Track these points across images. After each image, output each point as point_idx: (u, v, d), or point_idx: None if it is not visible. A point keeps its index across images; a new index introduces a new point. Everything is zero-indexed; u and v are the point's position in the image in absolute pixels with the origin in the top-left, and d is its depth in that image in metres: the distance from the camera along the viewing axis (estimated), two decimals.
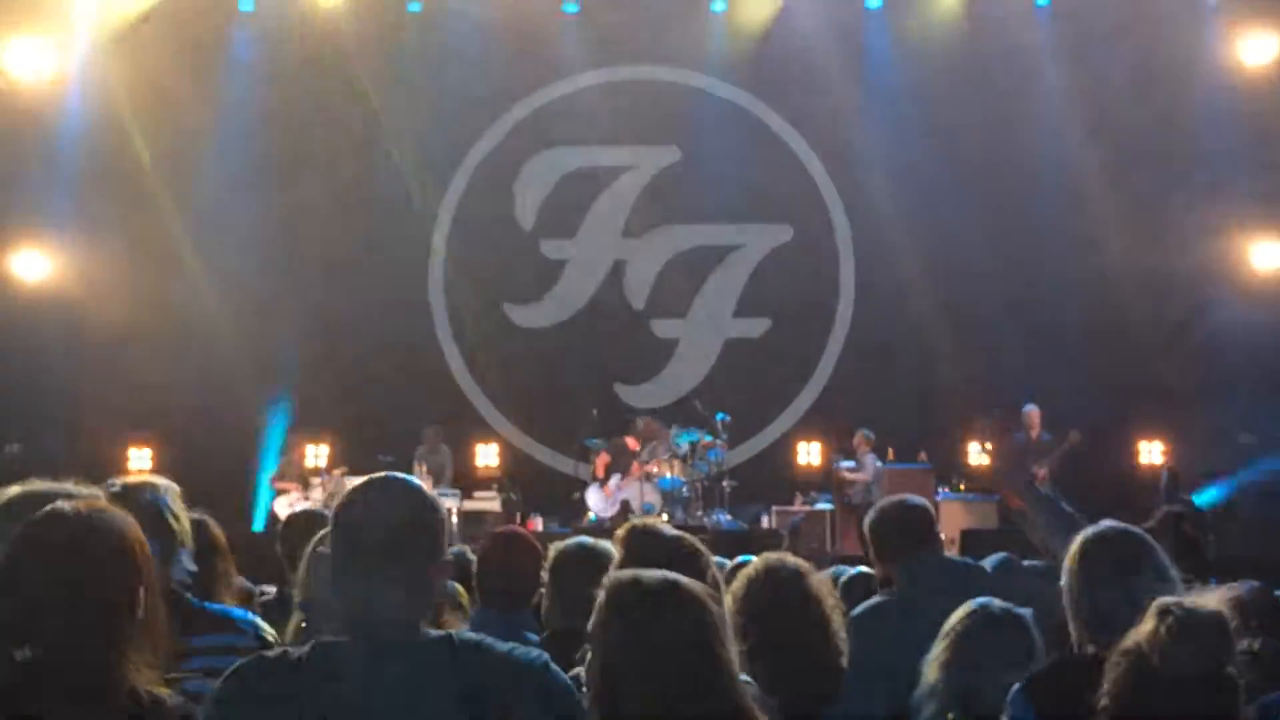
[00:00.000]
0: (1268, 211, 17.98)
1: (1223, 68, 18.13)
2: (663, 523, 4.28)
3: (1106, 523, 4.04)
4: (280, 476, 16.69)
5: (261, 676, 2.86)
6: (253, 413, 17.56)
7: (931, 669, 4.22)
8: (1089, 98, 18.27)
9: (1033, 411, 16.46)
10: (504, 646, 2.91)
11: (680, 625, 3.03)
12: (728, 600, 4.16)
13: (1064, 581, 3.90)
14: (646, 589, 3.08)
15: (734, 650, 3.09)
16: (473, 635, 2.97)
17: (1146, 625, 3.23)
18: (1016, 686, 3.79)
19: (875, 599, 5.25)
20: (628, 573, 3.16)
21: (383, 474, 3.05)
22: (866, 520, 5.48)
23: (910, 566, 5.18)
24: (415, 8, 18.70)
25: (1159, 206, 18.13)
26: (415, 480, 3.05)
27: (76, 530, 2.87)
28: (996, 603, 4.30)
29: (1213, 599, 3.34)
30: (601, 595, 3.10)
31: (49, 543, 2.85)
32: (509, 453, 18.53)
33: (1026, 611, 4.28)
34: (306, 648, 2.87)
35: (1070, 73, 18.41)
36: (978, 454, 17.17)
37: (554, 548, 4.85)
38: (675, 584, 3.11)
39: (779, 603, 4.31)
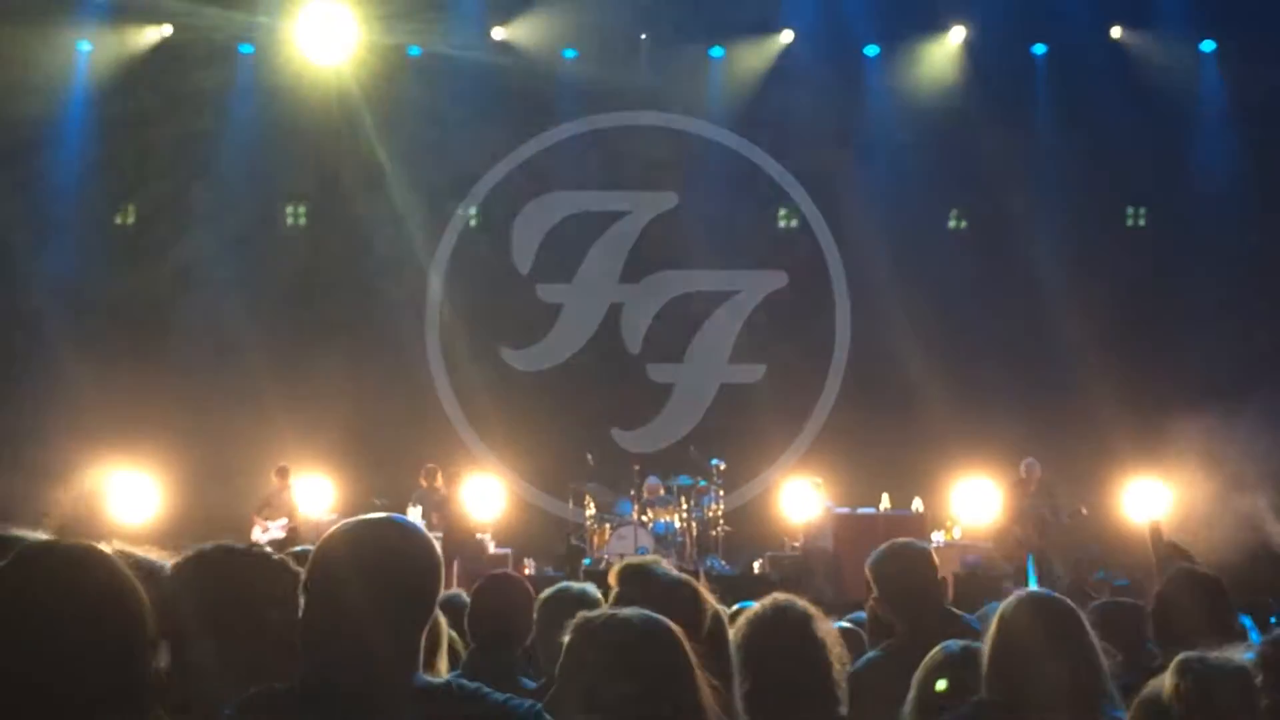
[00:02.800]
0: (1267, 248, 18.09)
1: (1220, 114, 18.29)
2: (658, 562, 4.24)
3: (1030, 590, 4.14)
4: (262, 510, 16.58)
5: (269, 709, 2.85)
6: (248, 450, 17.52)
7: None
8: (1086, 145, 18.38)
9: (1034, 467, 16.43)
10: (500, 697, 2.89)
11: (652, 662, 3.01)
12: (731, 638, 4.15)
13: (988, 635, 3.97)
14: (616, 627, 3.06)
15: (707, 689, 3.07)
16: (470, 684, 2.93)
17: (1168, 680, 3.20)
18: None
19: (871, 654, 5.20)
20: (596, 612, 3.15)
21: (375, 514, 3.00)
22: (869, 562, 5.43)
23: (912, 617, 5.13)
24: (415, 52, 18.79)
25: (1158, 253, 18.24)
26: (407, 520, 3.01)
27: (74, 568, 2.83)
28: (955, 643, 4.28)
29: (1237, 654, 3.31)
30: (568, 636, 3.08)
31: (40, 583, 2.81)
32: (504, 496, 18.48)
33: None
34: (310, 683, 2.85)
35: (1067, 120, 18.52)
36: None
37: (542, 595, 4.84)
38: (646, 620, 3.09)
39: (783, 644, 4.26)
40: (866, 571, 5.35)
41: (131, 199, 17.84)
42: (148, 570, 3.41)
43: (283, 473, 16.60)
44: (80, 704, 2.64)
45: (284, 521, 16.26)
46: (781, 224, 19.17)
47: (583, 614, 3.14)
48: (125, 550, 3.55)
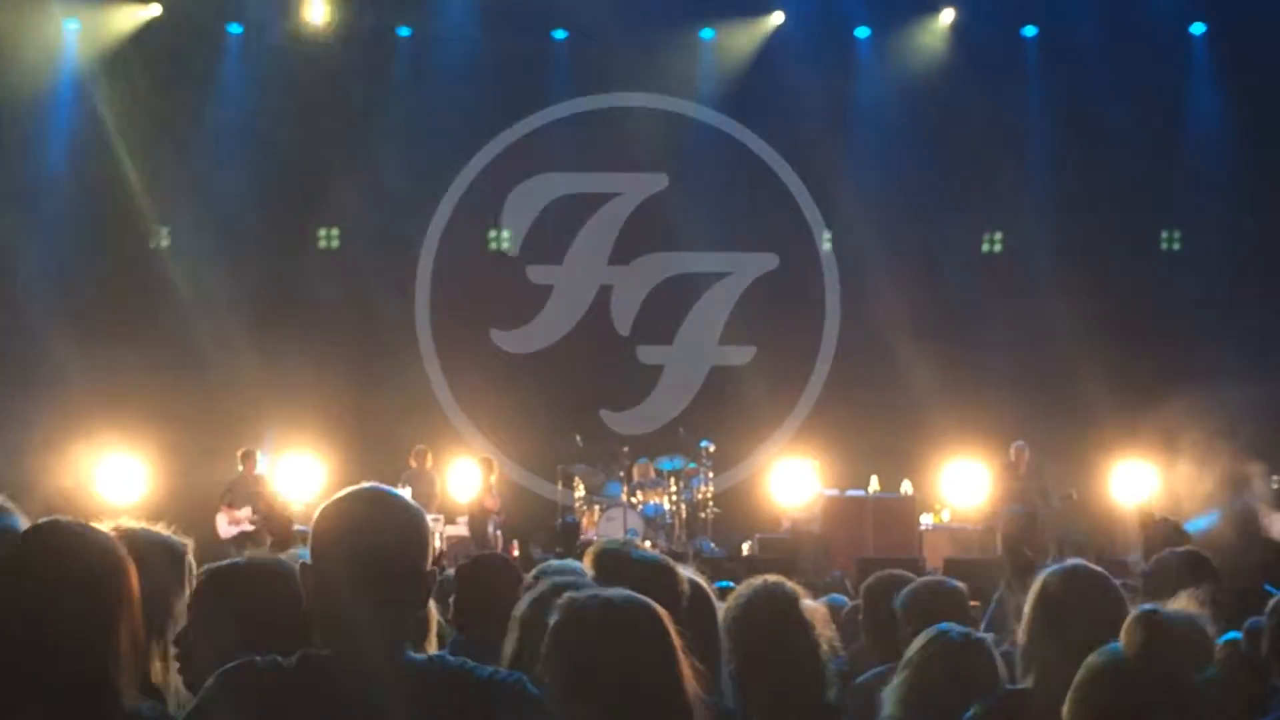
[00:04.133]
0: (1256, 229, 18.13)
1: (1210, 95, 18.33)
2: (634, 543, 4.24)
3: (1073, 562, 4.04)
4: (225, 496, 16.34)
5: (250, 681, 2.84)
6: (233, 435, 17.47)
7: (891, 700, 4.19)
8: (1076, 127, 18.40)
9: (1024, 449, 16.43)
10: (485, 670, 2.91)
11: (636, 643, 3.03)
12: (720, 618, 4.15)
13: (1025, 615, 3.92)
14: (601, 608, 3.09)
15: (689, 671, 3.08)
16: (455, 659, 2.95)
17: (1124, 633, 3.21)
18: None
19: (879, 669, 5.17)
20: (584, 592, 3.16)
21: (364, 486, 2.98)
22: (899, 599, 5.38)
23: None
24: (404, 32, 18.74)
25: (1149, 235, 18.29)
26: (397, 492, 3.00)
27: (67, 542, 2.85)
28: (956, 628, 4.27)
29: (1186, 601, 3.34)
30: (557, 615, 3.09)
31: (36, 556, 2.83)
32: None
33: (987, 636, 4.25)
34: (295, 659, 2.85)
35: (1057, 102, 18.54)
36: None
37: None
38: (631, 601, 3.12)
39: (769, 624, 4.25)
40: (897, 610, 5.28)
41: (119, 179, 17.75)
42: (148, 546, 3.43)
43: (249, 457, 16.22)
44: (43, 680, 2.67)
45: (248, 511, 15.89)
46: (772, 205, 19.09)
47: (569, 594, 3.16)
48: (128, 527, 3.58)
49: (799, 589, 4.46)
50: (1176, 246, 19.10)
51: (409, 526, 2.93)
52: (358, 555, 2.85)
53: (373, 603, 2.83)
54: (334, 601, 2.85)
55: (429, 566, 2.95)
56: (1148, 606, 3.24)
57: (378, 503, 2.94)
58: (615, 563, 3.89)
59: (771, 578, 4.45)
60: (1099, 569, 4.01)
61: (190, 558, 3.68)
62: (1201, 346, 17.64)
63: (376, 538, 2.87)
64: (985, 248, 19.07)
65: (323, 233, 18.87)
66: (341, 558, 2.86)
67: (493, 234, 19.20)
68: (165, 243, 18.27)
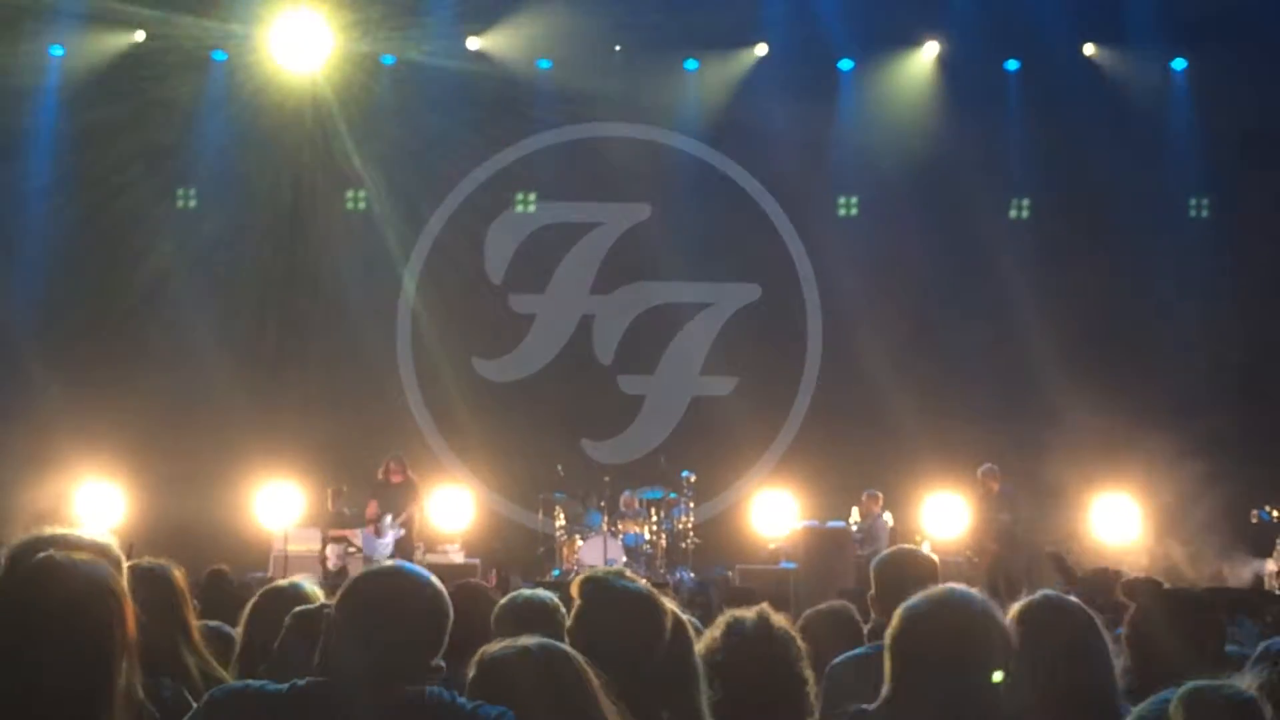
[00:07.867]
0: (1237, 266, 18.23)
1: (1188, 130, 18.48)
2: (623, 572, 4.19)
3: (1044, 593, 4.15)
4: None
5: (237, 706, 2.89)
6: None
7: None
8: (1059, 158, 18.48)
9: (991, 472, 16.43)
10: (469, 705, 2.96)
11: (553, 690, 3.11)
12: (704, 643, 4.12)
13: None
14: (513, 662, 3.16)
15: (610, 710, 3.16)
16: (444, 692, 3.00)
17: (1174, 710, 3.17)
18: None
19: (859, 650, 5.08)
20: (497, 646, 3.24)
21: (390, 565, 3.22)
22: (873, 564, 5.33)
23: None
24: (389, 60, 18.76)
25: (1135, 261, 18.38)
26: (423, 571, 3.17)
27: (70, 580, 2.78)
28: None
29: (1246, 680, 3.29)
30: (474, 669, 3.19)
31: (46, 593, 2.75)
32: (474, 507, 18.44)
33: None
34: (285, 686, 2.91)
35: (1040, 135, 18.61)
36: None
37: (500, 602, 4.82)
38: (546, 649, 3.19)
39: (769, 658, 4.19)
40: (870, 570, 5.28)
41: (102, 207, 17.73)
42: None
43: (337, 495, 16.65)
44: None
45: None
46: (754, 236, 19.11)
47: (484, 649, 3.25)
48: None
49: (791, 626, 4.40)
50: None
51: (430, 603, 3.15)
52: (381, 631, 3.04)
53: (384, 658, 2.99)
54: (352, 655, 2.99)
55: (443, 639, 3.13)
56: (1199, 684, 3.19)
57: (399, 579, 3.18)
58: (600, 591, 3.89)
59: (769, 610, 4.34)
60: (1072, 602, 4.12)
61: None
62: (1185, 384, 17.71)
63: (398, 615, 3.08)
64: (968, 281, 19.07)
65: (306, 261, 18.84)
66: (362, 632, 3.03)
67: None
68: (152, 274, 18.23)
